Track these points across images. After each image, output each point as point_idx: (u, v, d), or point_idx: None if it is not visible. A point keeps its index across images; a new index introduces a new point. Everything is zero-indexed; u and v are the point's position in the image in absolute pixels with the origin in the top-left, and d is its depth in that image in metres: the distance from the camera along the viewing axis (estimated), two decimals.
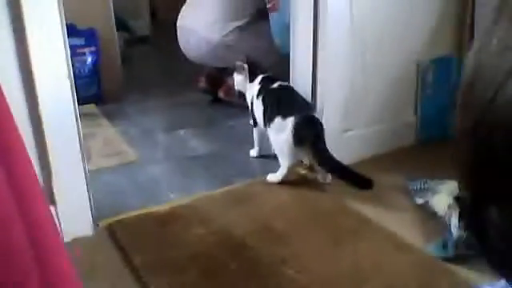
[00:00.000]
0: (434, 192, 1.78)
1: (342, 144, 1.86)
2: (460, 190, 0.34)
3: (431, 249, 1.58)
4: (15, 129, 0.82)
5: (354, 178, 1.81)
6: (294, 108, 1.89)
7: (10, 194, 0.72)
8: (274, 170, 1.99)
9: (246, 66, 2.19)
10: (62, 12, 1.48)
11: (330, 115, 1.93)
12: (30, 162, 0.85)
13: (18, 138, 0.81)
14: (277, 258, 1.55)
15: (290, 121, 1.87)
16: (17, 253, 0.72)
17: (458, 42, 2.19)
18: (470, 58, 0.33)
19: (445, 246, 1.56)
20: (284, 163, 1.94)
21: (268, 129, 1.97)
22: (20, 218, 0.72)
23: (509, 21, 0.31)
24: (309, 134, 1.85)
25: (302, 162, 2.04)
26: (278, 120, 1.91)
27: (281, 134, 1.91)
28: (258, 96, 2.06)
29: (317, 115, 1.92)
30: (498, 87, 0.29)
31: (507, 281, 0.36)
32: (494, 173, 0.29)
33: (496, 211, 0.31)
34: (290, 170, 1.95)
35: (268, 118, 1.96)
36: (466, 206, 0.33)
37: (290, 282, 1.45)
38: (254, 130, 2.16)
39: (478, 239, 0.35)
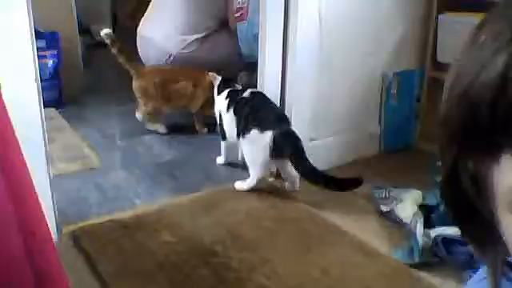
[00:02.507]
0: (399, 200, 1.82)
1: (309, 153, 1.87)
2: (441, 154, 0.41)
3: (397, 255, 1.61)
4: (11, 131, 0.80)
5: (340, 183, 1.83)
6: (272, 121, 1.87)
7: (7, 199, 0.70)
8: (242, 177, 1.99)
9: (218, 77, 2.19)
10: (31, 15, 1.44)
11: (297, 124, 1.94)
12: (25, 164, 0.83)
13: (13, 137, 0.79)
14: (246, 264, 1.54)
15: (269, 134, 1.85)
16: (13, 254, 0.69)
17: (421, 56, 2.26)
18: (456, 59, 0.40)
19: (410, 253, 1.59)
20: (255, 174, 1.94)
21: (241, 139, 1.94)
22: (16, 221, 0.70)
23: (498, 18, 0.37)
24: (288, 147, 1.85)
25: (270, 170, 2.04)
26: (254, 132, 1.88)
27: (256, 145, 1.89)
28: (227, 109, 2.04)
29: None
30: (486, 62, 0.35)
31: (475, 248, 0.44)
32: (477, 130, 0.36)
33: (471, 164, 0.38)
34: (260, 181, 1.95)
35: (243, 129, 1.93)
36: (444, 169, 0.40)
37: None
38: (223, 142, 2.15)
39: (450, 197, 0.42)
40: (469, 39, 0.39)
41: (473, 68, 0.36)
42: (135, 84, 2.49)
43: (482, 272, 0.56)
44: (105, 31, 2.43)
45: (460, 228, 0.44)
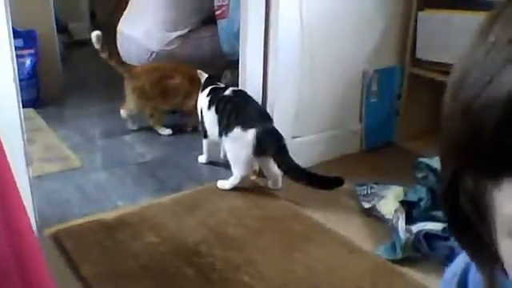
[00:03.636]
0: (381, 196, 1.84)
1: (291, 150, 1.88)
2: (441, 164, 0.39)
3: (380, 251, 1.62)
4: None
5: (323, 181, 1.84)
6: (254, 119, 1.87)
7: None
8: (224, 176, 1.98)
9: (205, 74, 2.18)
10: (9, 13, 1.42)
11: (279, 122, 1.94)
12: (8, 164, 0.82)
13: None
14: (231, 264, 1.54)
15: (251, 132, 1.84)
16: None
17: (401, 53, 2.28)
18: (462, 57, 0.37)
19: (393, 249, 1.61)
20: (237, 173, 1.93)
21: (224, 138, 1.94)
22: (4, 228, 0.68)
23: (506, 20, 0.35)
24: (271, 145, 1.85)
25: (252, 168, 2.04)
26: (237, 130, 1.87)
27: (238, 143, 1.89)
28: (209, 107, 2.03)
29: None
30: (495, 72, 0.32)
31: (467, 251, 0.43)
32: (478, 150, 0.33)
33: (471, 180, 0.36)
34: (243, 179, 1.95)
35: (225, 127, 1.92)
36: (445, 179, 0.38)
37: (245, 287, 1.44)
38: (204, 140, 2.14)
39: (448, 208, 0.40)
40: (478, 34, 0.36)
41: (480, 76, 0.33)
42: (129, 86, 2.44)
43: (454, 268, 0.57)
44: (95, 34, 2.38)
45: (456, 239, 0.42)
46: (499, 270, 0.39)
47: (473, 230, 0.39)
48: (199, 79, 2.19)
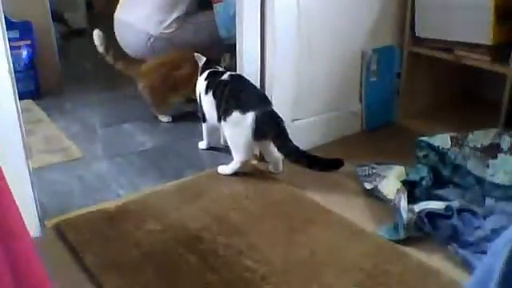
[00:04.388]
0: (382, 177, 1.83)
1: (292, 133, 1.87)
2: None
3: (383, 232, 1.62)
4: None
5: (323, 163, 1.84)
6: (253, 102, 1.86)
7: None
8: (225, 162, 1.98)
9: (203, 58, 2.16)
10: (1, 4, 1.40)
11: (278, 105, 1.93)
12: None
13: None
14: (234, 249, 1.54)
15: (250, 115, 1.83)
16: None
17: (400, 32, 2.26)
18: None
19: (395, 229, 1.60)
20: (238, 158, 1.92)
21: (223, 122, 1.93)
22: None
23: None
24: (271, 128, 1.84)
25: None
26: (236, 114, 1.86)
27: (238, 128, 1.88)
28: (206, 91, 2.02)
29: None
30: None
31: None
32: None
33: None
34: (244, 164, 1.94)
35: (223, 112, 1.91)
36: None
37: (248, 272, 1.44)
38: (204, 124, 2.13)
39: None
40: None
41: None
42: (140, 86, 2.44)
43: (508, 234, 0.56)
44: (96, 34, 2.37)
45: None
46: None
47: None
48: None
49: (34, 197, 1.63)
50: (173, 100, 2.47)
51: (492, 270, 0.56)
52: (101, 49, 2.36)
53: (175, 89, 2.43)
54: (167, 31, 2.59)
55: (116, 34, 2.75)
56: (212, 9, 2.61)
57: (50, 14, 2.82)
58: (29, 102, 2.61)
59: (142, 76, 2.42)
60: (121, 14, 2.73)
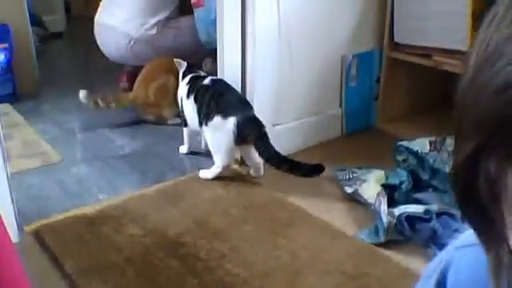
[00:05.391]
0: (363, 180, 1.85)
1: (273, 138, 1.87)
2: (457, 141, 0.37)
3: (363, 235, 1.63)
4: None
5: (304, 169, 1.84)
6: (234, 107, 1.86)
7: None
8: (206, 166, 1.98)
9: (184, 63, 2.16)
10: None
11: (259, 110, 1.93)
12: None
13: None
14: (215, 253, 1.54)
15: (232, 120, 1.84)
16: None
17: (379, 37, 2.28)
18: (484, 28, 0.35)
19: (376, 232, 1.62)
20: (219, 162, 1.92)
21: (204, 127, 1.93)
22: None
23: None
24: (252, 133, 1.84)
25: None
26: (217, 119, 1.86)
27: (219, 132, 1.87)
28: (188, 96, 2.02)
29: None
30: None
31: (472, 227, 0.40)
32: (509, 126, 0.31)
33: (494, 163, 0.34)
34: (225, 168, 1.94)
35: (205, 116, 1.91)
36: (460, 154, 0.36)
37: (230, 276, 1.44)
38: (185, 129, 2.13)
39: (460, 184, 0.38)
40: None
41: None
42: (139, 107, 2.46)
43: (434, 265, 0.57)
44: (82, 94, 2.37)
45: (463, 215, 0.40)
46: (506, 250, 0.38)
47: (482, 208, 0.37)
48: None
49: (13, 202, 1.61)
50: (170, 109, 2.45)
51: None
52: (91, 105, 2.37)
53: (169, 99, 2.42)
54: (148, 33, 2.59)
55: (96, 37, 2.74)
56: (193, 13, 2.61)
57: (28, 17, 2.79)
58: (6, 106, 2.57)
59: (136, 98, 2.44)
60: (101, 18, 2.71)
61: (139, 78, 2.50)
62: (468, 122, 0.35)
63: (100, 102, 2.38)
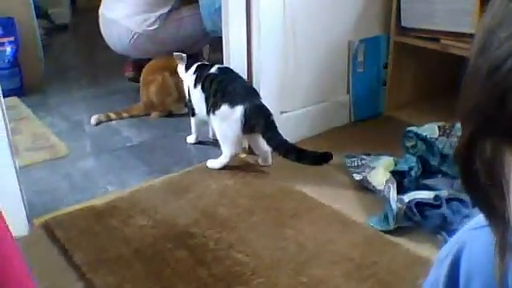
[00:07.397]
0: (371, 167, 1.83)
1: (280, 126, 1.86)
2: (462, 125, 0.38)
3: (373, 223, 1.62)
4: None
5: (311, 157, 1.82)
6: (241, 96, 1.85)
7: None
8: (213, 156, 1.97)
9: (184, 55, 2.14)
10: None
11: (266, 97, 1.92)
12: None
13: None
14: (223, 243, 1.54)
15: (239, 109, 1.83)
16: None
17: (386, 22, 2.25)
18: (486, 15, 0.36)
19: (386, 219, 1.61)
20: (227, 151, 1.91)
21: (212, 116, 1.92)
22: None
23: None
24: (260, 121, 1.83)
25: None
26: (224, 107, 1.86)
27: (226, 121, 1.86)
28: (195, 85, 2.01)
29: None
30: None
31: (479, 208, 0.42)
32: (503, 111, 0.32)
33: (488, 143, 0.36)
34: (233, 158, 1.93)
35: (212, 105, 1.90)
36: (462, 138, 0.38)
37: (238, 266, 1.44)
38: (192, 118, 2.12)
39: (462, 167, 0.40)
40: None
41: (508, 36, 0.33)
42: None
43: (448, 248, 0.56)
44: (93, 119, 2.37)
45: (469, 197, 0.42)
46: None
47: (484, 192, 0.39)
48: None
49: (22, 195, 1.61)
50: (172, 109, 2.47)
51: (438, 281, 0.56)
52: (104, 119, 2.39)
53: (172, 97, 2.44)
54: (150, 28, 2.57)
55: (101, 30, 2.72)
56: (195, 2, 2.58)
57: (34, 9, 2.78)
58: (14, 100, 2.57)
59: (146, 104, 2.45)
60: (105, 11, 2.70)
61: (140, 84, 2.52)
62: (466, 106, 0.37)
63: (112, 116, 2.40)
